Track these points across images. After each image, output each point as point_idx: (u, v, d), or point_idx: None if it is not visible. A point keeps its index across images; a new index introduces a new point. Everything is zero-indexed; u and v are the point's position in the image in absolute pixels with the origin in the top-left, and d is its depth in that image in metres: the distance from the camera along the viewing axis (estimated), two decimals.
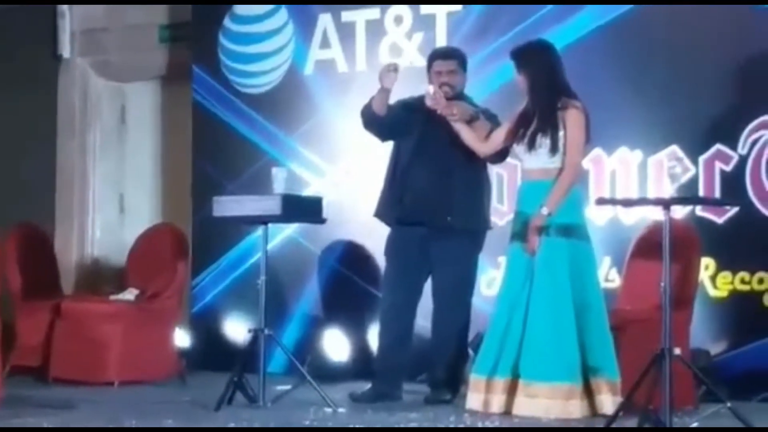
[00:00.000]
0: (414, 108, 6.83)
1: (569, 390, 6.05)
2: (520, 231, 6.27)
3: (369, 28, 8.30)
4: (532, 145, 6.25)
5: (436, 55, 6.99)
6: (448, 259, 6.73)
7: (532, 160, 6.29)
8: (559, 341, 6.08)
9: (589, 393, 6.11)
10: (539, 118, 6.26)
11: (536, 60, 6.32)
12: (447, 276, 6.75)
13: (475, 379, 6.30)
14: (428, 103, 6.59)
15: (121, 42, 9.75)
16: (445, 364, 6.77)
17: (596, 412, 6.07)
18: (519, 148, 6.37)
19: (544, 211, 6.14)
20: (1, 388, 6.46)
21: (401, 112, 6.82)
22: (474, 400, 6.28)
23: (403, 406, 6.52)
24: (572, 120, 6.21)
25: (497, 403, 6.17)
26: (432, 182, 6.71)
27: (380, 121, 6.80)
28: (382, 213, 6.94)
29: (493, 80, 7.62)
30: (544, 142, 6.21)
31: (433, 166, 6.72)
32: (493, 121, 6.72)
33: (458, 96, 6.82)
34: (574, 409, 6.04)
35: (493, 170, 7.40)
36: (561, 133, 6.20)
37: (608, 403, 6.03)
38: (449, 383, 6.76)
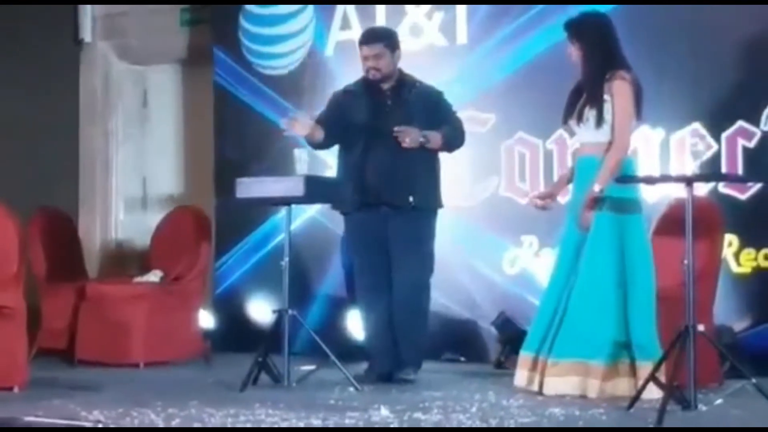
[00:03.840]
0: (357, 94, 6.85)
1: (602, 369, 5.95)
2: (574, 207, 6.21)
3: (389, 8, 8.27)
4: (580, 118, 6.16)
5: (361, 41, 6.90)
6: (410, 239, 6.71)
7: (583, 134, 6.21)
8: (594, 319, 5.99)
9: (615, 373, 6.01)
10: (587, 89, 6.16)
11: (590, 31, 6.19)
12: (410, 256, 6.70)
13: (524, 356, 6.25)
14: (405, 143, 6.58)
15: (142, 25, 9.76)
16: (410, 343, 6.73)
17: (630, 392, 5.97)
18: (572, 122, 6.29)
19: (596, 187, 6.03)
20: (28, 371, 6.51)
21: (337, 113, 6.82)
22: (520, 376, 6.23)
23: (429, 385, 6.54)
24: (618, 91, 6.07)
25: (538, 382, 6.12)
26: (392, 163, 6.67)
27: (324, 143, 6.84)
28: (339, 202, 6.90)
29: (512, 60, 7.62)
30: (591, 114, 6.10)
31: (390, 148, 6.65)
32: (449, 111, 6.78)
33: (391, 75, 6.78)
34: (614, 388, 5.95)
35: (515, 149, 7.40)
36: (607, 105, 6.07)
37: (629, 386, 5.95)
38: (414, 362, 6.75)
